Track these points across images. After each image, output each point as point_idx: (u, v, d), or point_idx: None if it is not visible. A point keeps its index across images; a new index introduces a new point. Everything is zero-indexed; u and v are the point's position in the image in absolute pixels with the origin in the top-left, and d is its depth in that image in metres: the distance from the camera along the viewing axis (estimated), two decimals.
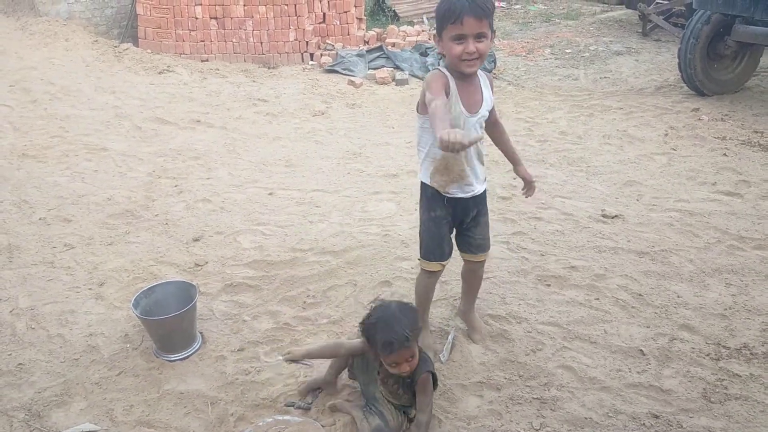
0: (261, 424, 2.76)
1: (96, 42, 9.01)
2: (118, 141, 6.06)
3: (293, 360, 3.07)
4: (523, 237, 4.21)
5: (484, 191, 2.96)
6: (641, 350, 3.15)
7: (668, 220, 4.39)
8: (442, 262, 3.01)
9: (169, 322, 3.08)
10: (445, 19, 2.53)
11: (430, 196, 2.92)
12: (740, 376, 2.98)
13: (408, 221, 4.45)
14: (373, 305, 2.64)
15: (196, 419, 2.82)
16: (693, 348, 3.18)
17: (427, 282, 3.10)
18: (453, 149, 2.14)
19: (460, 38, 2.53)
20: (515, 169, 3.10)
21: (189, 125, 6.54)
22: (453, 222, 2.97)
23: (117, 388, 3.00)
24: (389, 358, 2.48)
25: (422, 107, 2.70)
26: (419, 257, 3.07)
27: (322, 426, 2.74)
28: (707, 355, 3.13)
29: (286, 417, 2.79)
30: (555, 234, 4.25)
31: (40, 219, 4.53)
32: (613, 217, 4.42)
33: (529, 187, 3.19)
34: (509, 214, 4.49)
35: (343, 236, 4.27)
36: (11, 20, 9.51)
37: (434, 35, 2.81)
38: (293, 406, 2.87)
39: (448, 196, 2.86)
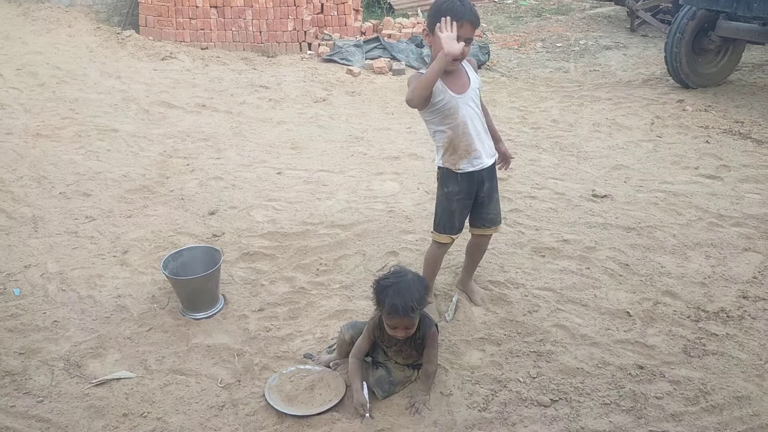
0: (284, 372, 3.02)
1: (98, 28, 9.17)
2: (128, 123, 6.28)
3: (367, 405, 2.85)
4: (519, 214, 4.50)
5: (494, 164, 3.22)
6: (628, 312, 3.46)
7: (653, 199, 4.70)
8: (452, 236, 3.30)
9: (196, 282, 3.34)
10: (442, 15, 2.80)
11: (443, 176, 3.20)
12: (717, 335, 3.29)
13: (411, 199, 4.72)
14: (392, 268, 2.87)
15: (224, 368, 3.09)
16: (675, 311, 3.48)
17: (436, 253, 3.40)
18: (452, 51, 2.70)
19: (465, 39, 2.85)
20: (496, 145, 3.34)
21: (195, 109, 6.76)
22: (468, 198, 3.22)
23: (148, 342, 3.26)
24: (391, 321, 2.73)
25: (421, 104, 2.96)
26: (432, 230, 3.33)
27: (339, 374, 3.01)
28: (688, 317, 3.44)
29: (307, 366, 3.07)
30: (549, 211, 4.54)
31: (60, 193, 4.76)
32: (602, 197, 4.73)
33: (505, 161, 3.48)
34: (506, 193, 4.78)
35: (350, 212, 4.54)
36: (13, 6, 9.62)
37: (425, 30, 3.00)
38: (311, 358, 3.14)
39: (460, 172, 3.13)
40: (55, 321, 3.40)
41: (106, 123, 6.22)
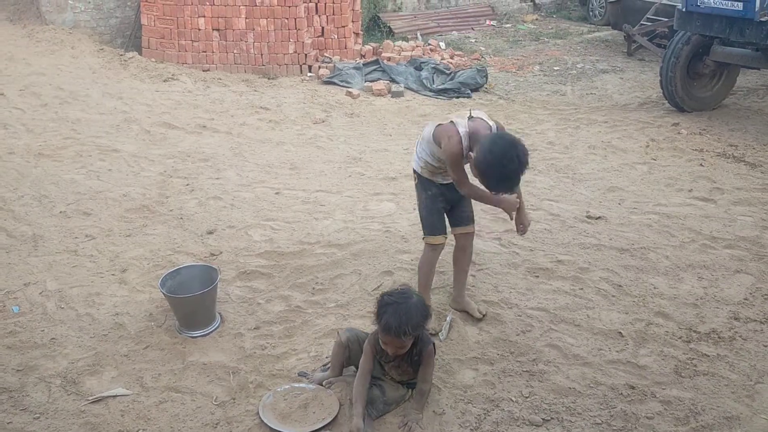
0: (279, 390, 3.05)
1: (102, 50, 9.30)
2: (129, 143, 6.35)
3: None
4: (513, 234, 4.50)
5: None
6: (620, 332, 3.49)
7: (647, 221, 4.75)
8: (444, 234, 3.51)
9: (193, 300, 3.38)
10: (501, 188, 3.13)
11: (425, 180, 3.47)
12: (708, 356, 3.32)
13: (408, 219, 4.78)
14: (401, 287, 2.96)
15: (219, 386, 3.12)
16: (667, 332, 3.52)
17: (431, 257, 3.55)
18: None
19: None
20: (519, 216, 3.55)
21: (195, 130, 6.84)
22: (449, 197, 3.49)
23: (145, 360, 3.29)
24: (383, 338, 2.79)
25: (435, 140, 3.28)
26: (424, 236, 3.50)
27: (333, 392, 3.04)
28: (679, 338, 3.47)
29: (302, 384, 3.10)
30: (543, 232, 4.59)
31: (60, 212, 4.82)
32: (596, 218, 4.78)
33: (523, 229, 3.62)
34: (501, 213, 4.80)
35: (347, 231, 4.59)
36: (18, 28, 9.80)
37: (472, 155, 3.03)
38: (305, 376, 3.17)
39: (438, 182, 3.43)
40: (53, 338, 3.44)
41: (108, 143, 6.29)
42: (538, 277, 4.02)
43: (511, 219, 3.45)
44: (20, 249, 4.30)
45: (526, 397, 3.05)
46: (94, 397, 3.02)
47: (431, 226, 3.50)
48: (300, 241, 4.44)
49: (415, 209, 4.89)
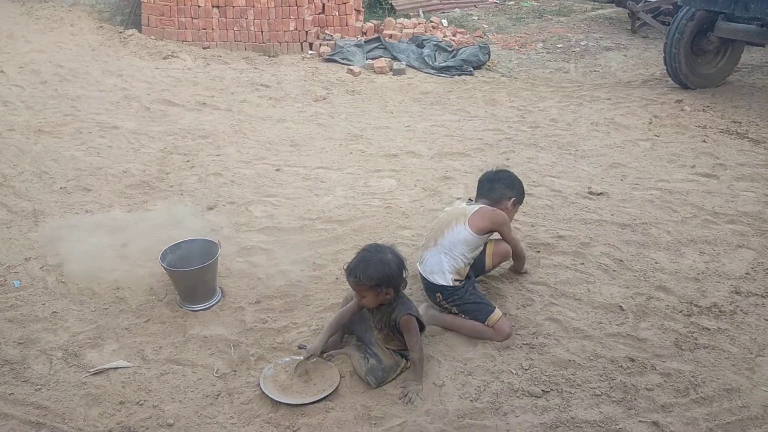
0: (280, 362, 3.06)
1: (101, 27, 9.24)
2: (129, 120, 6.33)
3: (315, 356, 3.02)
4: None
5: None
6: (621, 306, 3.49)
7: (649, 197, 4.73)
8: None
9: (193, 274, 3.38)
10: (523, 198, 3.70)
11: (454, 289, 3.35)
12: (709, 330, 3.32)
13: (408, 196, 4.76)
14: (389, 244, 3.09)
15: (220, 359, 3.13)
16: (668, 305, 3.51)
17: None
18: None
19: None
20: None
21: (195, 107, 6.81)
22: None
23: (146, 333, 3.30)
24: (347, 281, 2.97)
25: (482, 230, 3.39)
26: (487, 323, 3.29)
27: (334, 365, 3.05)
28: (680, 311, 3.47)
29: (302, 357, 3.10)
30: (545, 208, 4.57)
31: (60, 188, 4.81)
32: (598, 194, 4.76)
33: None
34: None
35: (347, 208, 4.57)
36: (17, 5, 9.70)
37: (514, 200, 3.59)
38: (305, 348, 3.17)
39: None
40: (54, 312, 3.44)
41: (108, 120, 6.27)
42: (539, 252, 4.02)
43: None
44: (21, 224, 4.30)
45: (526, 369, 3.05)
46: (95, 369, 3.03)
47: (487, 307, 3.32)
48: (301, 216, 4.43)
49: (416, 185, 4.92)
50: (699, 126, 6.28)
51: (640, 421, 2.76)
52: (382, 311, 3.02)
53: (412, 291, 3.55)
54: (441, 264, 3.32)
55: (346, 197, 4.74)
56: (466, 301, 3.30)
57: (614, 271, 3.82)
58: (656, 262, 3.90)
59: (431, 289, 3.37)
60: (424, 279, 3.40)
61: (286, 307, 3.49)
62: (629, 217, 4.44)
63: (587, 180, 5.05)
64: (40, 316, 3.41)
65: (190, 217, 4.41)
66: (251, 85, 7.65)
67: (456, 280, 3.32)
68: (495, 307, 3.30)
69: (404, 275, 2.97)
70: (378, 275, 2.85)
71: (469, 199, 3.72)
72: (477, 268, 3.47)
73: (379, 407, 2.82)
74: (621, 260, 3.92)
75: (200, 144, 5.76)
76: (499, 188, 3.57)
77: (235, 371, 3.05)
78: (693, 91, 7.38)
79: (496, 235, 3.52)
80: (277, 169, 5.23)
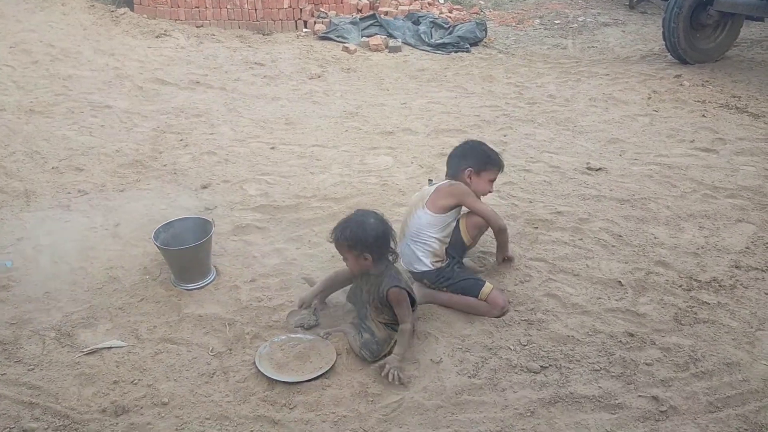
0: (276, 340, 3.03)
1: (93, 6, 9.08)
2: (121, 99, 6.24)
3: (306, 305, 3.14)
4: (512, 186, 4.48)
5: None
6: (619, 281, 3.45)
7: (648, 172, 4.68)
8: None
9: (187, 253, 3.33)
10: (492, 163, 3.41)
11: (438, 271, 3.30)
12: (709, 304, 3.29)
13: (404, 173, 4.71)
14: (376, 211, 3.03)
15: (215, 337, 3.09)
16: (667, 280, 3.48)
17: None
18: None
19: (492, 182, 3.45)
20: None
21: (189, 86, 6.73)
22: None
23: (140, 312, 3.26)
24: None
25: (443, 208, 3.29)
26: (479, 298, 3.23)
27: (331, 342, 3.02)
28: (680, 286, 3.44)
29: (298, 335, 3.07)
30: (543, 184, 4.53)
31: (52, 168, 4.75)
32: (597, 170, 4.71)
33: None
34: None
35: (343, 185, 4.52)
36: None
37: (470, 169, 3.36)
38: (303, 326, 3.14)
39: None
40: (47, 292, 3.40)
41: (100, 99, 6.18)
42: (537, 228, 3.97)
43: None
44: (12, 205, 4.24)
45: (524, 345, 3.02)
46: (89, 348, 2.99)
47: (477, 281, 3.27)
48: (296, 195, 4.38)
49: (412, 162, 4.86)
50: (698, 101, 6.22)
51: (639, 395, 2.74)
52: (371, 282, 2.99)
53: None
54: (414, 253, 3.30)
55: (341, 175, 4.68)
56: (455, 279, 3.26)
57: (613, 246, 3.78)
58: (655, 237, 3.87)
59: (417, 277, 3.34)
60: (410, 272, 3.37)
61: (282, 285, 3.45)
62: (628, 192, 4.39)
63: (585, 156, 5.00)
64: (33, 296, 3.37)
65: (184, 196, 4.37)
66: (245, 64, 7.56)
67: (436, 262, 3.28)
68: (485, 281, 3.26)
69: (386, 244, 2.92)
70: (351, 237, 2.86)
71: (429, 180, 3.64)
72: (457, 246, 3.38)
73: (376, 384, 2.79)
74: (620, 235, 3.88)
75: (194, 123, 5.69)
76: (455, 163, 3.43)
77: (230, 350, 3.01)
78: (692, 66, 7.31)
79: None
80: (272, 147, 5.17)
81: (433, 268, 3.27)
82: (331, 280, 3.20)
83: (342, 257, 2.99)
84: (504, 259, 3.54)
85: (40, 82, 6.57)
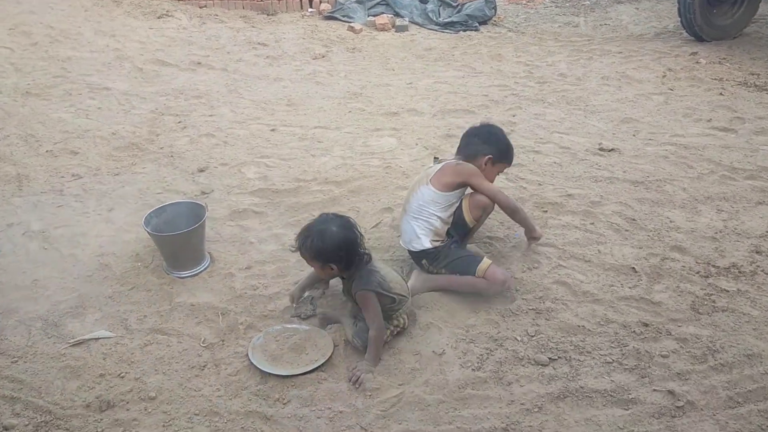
0: (270, 331, 2.89)
1: None
2: (120, 81, 6.09)
3: (295, 298, 3.03)
4: (521, 168, 4.30)
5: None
6: (633, 268, 3.28)
7: (663, 153, 4.49)
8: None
9: (179, 239, 3.19)
10: (509, 157, 3.33)
11: (436, 251, 3.14)
12: (728, 291, 3.11)
13: (409, 155, 4.53)
14: (341, 216, 2.81)
15: (208, 327, 2.96)
16: (683, 266, 3.30)
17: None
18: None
19: (501, 172, 3.39)
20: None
21: (190, 67, 6.56)
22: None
23: (130, 301, 3.13)
24: None
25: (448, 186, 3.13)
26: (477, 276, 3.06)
27: (327, 333, 2.88)
28: (697, 272, 3.26)
29: (294, 325, 2.93)
30: (553, 166, 4.34)
31: (47, 151, 4.61)
32: (609, 151, 4.52)
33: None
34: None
35: (345, 168, 4.36)
36: None
37: (490, 157, 3.22)
38: (299, 316, 3.00)
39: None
40: (36, 280, 3.27)
41: (98, 81, 6.03)
42: (546, 212, 3.80)
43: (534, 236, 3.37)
44: (4, 189, 4.11)
45: (532, 336, 2.86)
46: (75, 340, 2.87)
47: (475, 258, 3.11)
48: (296, 178, 4.22)
49: (417, 144, 4.69)
50: (715, 78, 5.98)
51: (654, 389, 2.58)
52: (345, 283, 2.85)
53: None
54: (413, 230, 3.14)
55: (343, 157, 4.52)
56: (452, 258, 3.10)
57: (626, 230, 3.60)
58: (671, 221, 3.68)
59: (416, 257, 3.19)
60: (408, 251, 3.22)
61: (279, 272, 3.31)
62: (642, 173, 4.20)
63: (598, 136, 4.80)
64: (21, 284, 3.24)
65: (180, 179, 4.23)
66: (248, 44, 7.37)
67: (435, 241, 3.12)
68: (483, 257, 3.10)
69: (352, 251, 2.71)
70: (312, 248, 2.69)
71: (435, 157, 3.49)
72: (459, 227, 3.22)
73: (375, 378, 2.64)
74: (633, 219, 3.70)
75: (193, 104, 5.53)
76: (475, 143, 3.26)
77: (223, 341, 2.88)
78: (708, 44, 7.05)
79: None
80: (272, 129, 5.01)
81: (431, 247, 3.11)
82: (315, 274, 3.00)
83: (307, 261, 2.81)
84: (533, 238, 3.36)
85: (39, 64, 6.43)
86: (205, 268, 3.34)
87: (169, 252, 3.26)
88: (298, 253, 2.78)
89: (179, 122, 5.13)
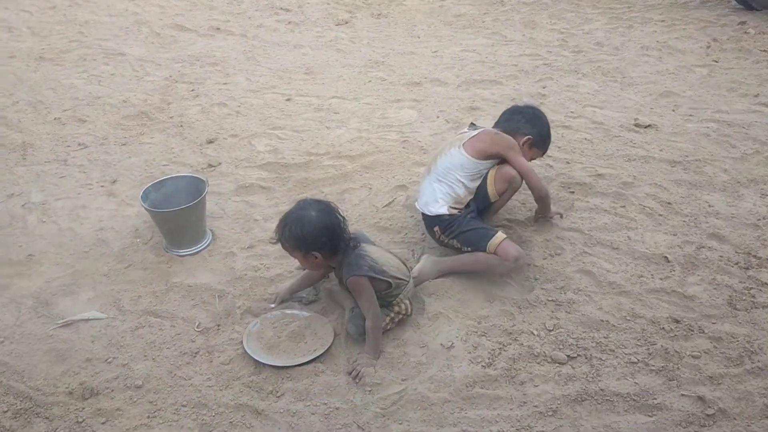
0: (268, 316, 2.71)
1: None
2: (137, 46, 5.92)
3: (280, 300, 2.81)
4: None
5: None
6: (666, 257, 3.01)
7: (705, 130, 4.15)
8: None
9: (177, 216, 3.01)
10: (546, 145, 3.17)
11: (452, 219, 2.95)
12: None
13: (429, 128, 4.28)
14: (320, 200, 2.57)
15: (203, 311, 2.79)
16: (721, 256, 3.02)
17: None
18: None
19: (533, 159, 3.17)
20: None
21: (209, 32, 6.35)
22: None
23: (125, 280, 2.98)
24: None
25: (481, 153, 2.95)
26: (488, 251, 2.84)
27: (329, 320, 2.69)
28: (736, 263, 2.98)
29: (294, 311, 2.74)
30: (583, 142, 4.05)
31: (55, 119, 4.47)
32: (646, 127, 4.20)
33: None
34: None
35: (360, 141, 4.13)
36: None
37: (530, 138, 3.07)
38: (301, 301, 2.81)
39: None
40: (30, 255, 3.14)
41: (114, 46, 5.87)
42: (573, 192, 3.52)
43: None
44: (8, 158, 3.99)
45: (550, 331, 2.63)
46: (65, 320, 2.73)
47: (488, 231, 2.87)
48: (307, 151, 4.01)
49: (438, 117, 4.43)
50: (764, 50, 5.55)
51: (682, 394, 2.34)
52: (336, 273, 2.65)
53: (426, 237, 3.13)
54: (434, 192, 2.94)
55: (359, 130, 4.28)
56: (465, 228, 2.88)
57: (660, 215, 3.31)
58: (710, 205, 3.38)
59: (429, 223, 2.99)
60: (422, 215, 3.02)
61: (282, 253, 3.03)
62: (680, 152, 3.88)
63: (634, 110, 4.47)
64: (15, 259, 3.11)
65: (188, 151, 4.05)
66: (270, 9, 7.12)
67: (453, 208, 2.91)
68: (497, 231, 2.87)
69: (335, 236, 2.48)
70: (291, 237, 2.46)
71: (472, 123, 3.24)
72: (480, 198, 2.99)
73: (376, 372, 2.45)
74: (669, 203, 3.41)
75: (208, 72, 5.33)
76: (518, 120, 3.08)
77: (218, 326, 2.71)
78: (758, 13, 6.57)
79: None
80: (288, 99, 4.78)
81: (447, 213, 2.91)
82: (307, 276, 2.82)
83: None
84: (543, 217, 3.19)
85: (56, 28, 6.29)
86: (206, 246, 3.17)
87: (168, 229, 3.09)
88: (279, 245, 2.55)
89: (192, 90, 4.94)
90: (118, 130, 4.33)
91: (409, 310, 2.64)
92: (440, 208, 2.92)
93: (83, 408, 2.33)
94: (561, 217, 3.24)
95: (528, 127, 3.07)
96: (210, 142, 4.14)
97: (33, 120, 4.45)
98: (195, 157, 3.97)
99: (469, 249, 2.87)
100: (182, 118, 4.47)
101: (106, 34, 6.17)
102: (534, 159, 3.17)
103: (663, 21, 6.54)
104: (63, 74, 5.23)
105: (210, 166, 3.85)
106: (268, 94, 4.87)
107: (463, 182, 2.94)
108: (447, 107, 4.57)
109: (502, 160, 2.98)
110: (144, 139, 4.21)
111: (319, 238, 2.45)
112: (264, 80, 5.15)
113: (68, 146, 4.13)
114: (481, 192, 2.99)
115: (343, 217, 2.55)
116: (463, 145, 2.96)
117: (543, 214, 3.18)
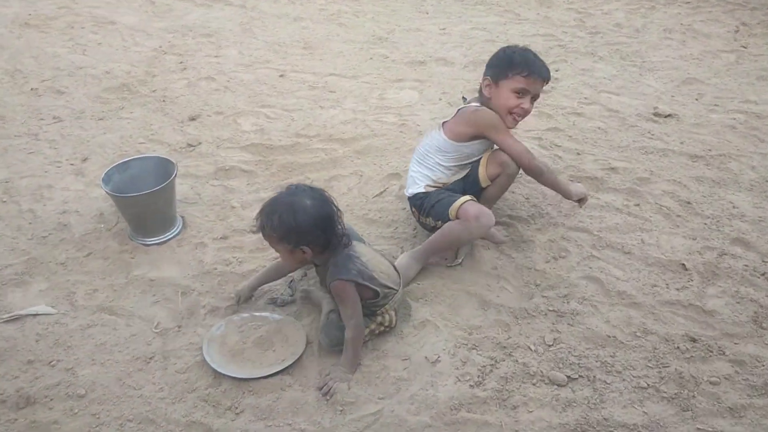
0: (235, 318, 2.43)
1: None
2: (129, 15, 5.60)
3: (243, 299, 2.52)
4: (558, 133, 3.69)
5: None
6: (683, 264, 2.69)
7: (730, 122, 3.80)
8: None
9: (141, 201, 2.72)
10: (514, 66, 2.53)
11: (426, 194, 2.70)
12: None
13: (429, 111, 3.96)
14: (314, 188, 2.27)
15: (164, 309, 2.51)
16: (746, 265, 2.70)
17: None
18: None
19: (522, 93, 2.55)
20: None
21: (205, 2, 6.00)
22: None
23: (83, 271, 2.70)
24: None
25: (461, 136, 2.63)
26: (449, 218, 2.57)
27: (303, 325, 2.40)
28: (763, 274, 2.66)
29: (264, 314, 2.46)
30: (596, 132, 3.71)
31: (31, 89, 4.19)
32: (666, 116, 3.85)
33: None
34: (546, 108, 3.95)
35: (354, 124, 3.81)
36: None
37: (487, 78, 2.61)
38: (276, 303, 2.53)
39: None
40: None
41: (105, 14, 5.55)
42: None
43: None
44: None
45: (549, 346, 2.33)
46: (10, 315, 2.46)
47: (452, 197, 2.59)
48: (296, 133, 3.70)
49: (440, 99, 4.11)
50: None
51: (697, 428, 2.04)
52: (319, 272, 2.34)
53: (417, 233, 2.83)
54: (413, 174, 2.71)
55: (355, 111, 3.96)
56: (434, 200, 2.61)
57: (678, 216, 2.99)
58: (734, 207, 3.06)
59: (410, 205, 2.75)
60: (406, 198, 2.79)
61: (258, 245, 2.81)
62: (703, 146, 3.55)
63: (653, 98, 4.12)
64: None
65: (168, 128, 3.76)
66: None
67: (430, 186, 2.66)
68: (462, 196, 2.57)
69: (329, 230, 2.18)
70: (281, 226, 2.13)
71: (463, 97, 2.93)
72: (470, 182, 2.71)
73: (350, 389, 2.16)
74: (688, 202, 3.09)
75: (200, 43, 5.01)
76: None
77: (179, 327, 2.43)
78: None
79: None
80: (281, 75, 4.46)
81: (423, 191, 2.66)
82: (275, 268, 2.53)
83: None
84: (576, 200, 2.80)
85: None
86: (175, 235, 2.89)
87: (131, 215, 2.81)
88: (260, 234, 2.24)
89: (180, 63, 4.62)
90: (96, 103, 4.04)
91: (394, 321, 2.34)
92: (417, 187, 2.68)
93: (15, 419, 2.07)
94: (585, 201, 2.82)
95: (486, 71, 2.64)
96: (192, 119, 3.84)
97: (8, 90, 4.17)
98: (174, 135, 3.67)
99: (440, 223, 2.59)
100: (165, 92, 4.17)
101: (97, 1, 5.85)
102: (521, 90, 2.55)
103: (688, 2, 6.12)
104: (47, 42, 4.93)
105: (189, 145, 3.56)
106: (260, 69, 4.55)
107: (441, 165, 2.67)
108: (451, 89, 4.24)
109: None
110: (123, 114, 3.91)
111: (312, 230, 2.14)
112: (258, 54, 4.83)
113: (42, 119, 3.85)
114: (471, 177, 2.71)
115: (339, 209, 2.25)
116: (442, 125, 2.69)
117: (568, 198, 2.76)
